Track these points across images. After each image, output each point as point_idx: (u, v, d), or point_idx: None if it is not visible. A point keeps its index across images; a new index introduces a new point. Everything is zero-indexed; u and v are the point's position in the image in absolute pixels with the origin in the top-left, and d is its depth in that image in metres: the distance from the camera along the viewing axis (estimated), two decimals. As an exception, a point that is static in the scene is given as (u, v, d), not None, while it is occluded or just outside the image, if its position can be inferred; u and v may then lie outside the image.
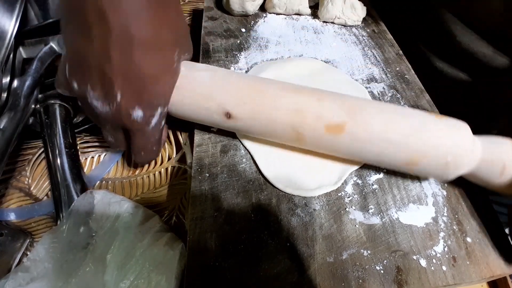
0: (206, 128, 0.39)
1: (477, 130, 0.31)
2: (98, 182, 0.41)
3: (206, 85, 0.33)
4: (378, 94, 0.44)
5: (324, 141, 0.32)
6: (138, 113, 0.30)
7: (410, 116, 0.31)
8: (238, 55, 0.48)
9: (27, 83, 0.37)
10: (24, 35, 0.38)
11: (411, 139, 0.30)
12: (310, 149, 0.35)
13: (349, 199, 0.33)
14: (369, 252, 0.30)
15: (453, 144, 0.30)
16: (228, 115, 0.32)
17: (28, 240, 0.35)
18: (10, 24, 0.36)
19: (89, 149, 0.44)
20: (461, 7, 0.44)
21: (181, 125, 0.47)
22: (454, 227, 0.32)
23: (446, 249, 0.30)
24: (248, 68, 0.46)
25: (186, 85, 0.33)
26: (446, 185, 0.35)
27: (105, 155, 0.43)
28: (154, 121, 0.32)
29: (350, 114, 0.31)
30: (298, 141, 0.33)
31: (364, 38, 0.53)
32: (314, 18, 0.57)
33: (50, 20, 0.39)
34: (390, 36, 0.54)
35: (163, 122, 0.34)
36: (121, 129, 0.32)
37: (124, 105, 0.29)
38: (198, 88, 0.33)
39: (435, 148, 0.30)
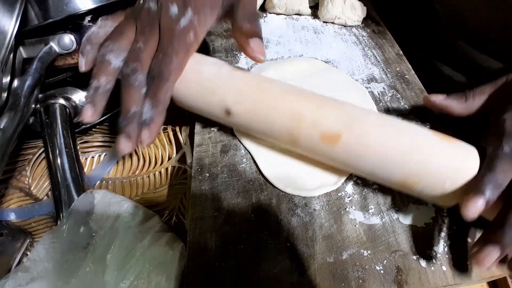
0: (206, 128, 0.39)
1: (476, 130, 0.31)
2: (98, 182, 0.41)
3: (210, 80, 0.33)
4: (378, 94, 0.44)
5: (319, 149, 0.31)
6: (173, 8, 0.30)
7: (412, 133, 0.30)
8: (239, 55, 0.48)
9: (27, 83, 0.37)
10: (24, 35, 0.38)
11: (408, 158, 0.28)
12: (305, 154, 0.34)
13: (349, 199, 0.33)
14: (369, 252, 0.30)
15: (454, 169, 0.28)
16: (228, 112, 0.32)
17: (28, 240, 0.35)
18: (10, 24, 0.36)
19: (89, 149, 0.44)
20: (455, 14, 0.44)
21: (181, 124, 0.47)
22: (454, 227, 0.32)
23: (446, 249, 0.30)
24: (248, 68, 0.46)
25: (193, 77, 0.33)
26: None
27: (105, 155, 0.43)
28: (183, 22, 0.31)
29: (347, 125, 0.30)
30: (293, 145, 0.33)
31: (364, 38, 0.53)
32: (314, 18, 0.57)
33: (50, 20, 0.38)
34: (390, 36, 0.54)
35: (191, 36, 0.32)
36: (157, 29, 0.31)
37: (166, 2, 0.31)
38: (203, 82, 0.33)
39: (433, 172, 0.28)
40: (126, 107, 0.30)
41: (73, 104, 0.43)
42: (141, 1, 0.33)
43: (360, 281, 0.28)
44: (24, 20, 0.37)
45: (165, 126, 0.47)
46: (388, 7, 0.61)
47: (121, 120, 0.29)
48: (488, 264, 0.25)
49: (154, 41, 0.31)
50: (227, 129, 0.39)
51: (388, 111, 0.42)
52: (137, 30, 0.32)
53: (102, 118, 0.46)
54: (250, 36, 0.32)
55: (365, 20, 0.56)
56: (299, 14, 0.57)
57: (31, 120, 0.40)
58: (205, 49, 0.49)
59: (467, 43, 0.44)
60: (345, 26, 0.55)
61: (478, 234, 0.31)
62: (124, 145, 0.29)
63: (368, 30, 0.55)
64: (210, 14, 0.33)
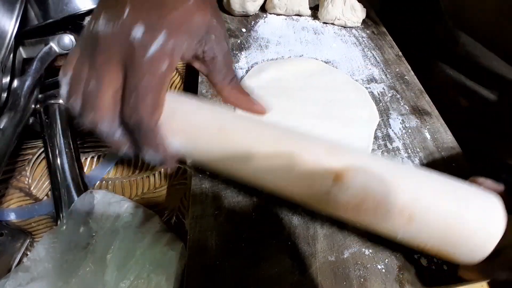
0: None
1: (476, 131, 0.31)
2: (98, 182, 0.41)
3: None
4: (378, 94, 0.44)
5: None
6: (138, 30, 0.23)
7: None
8: (239, 54, 0.48)
9: (27, 83, 0.37)
10: (24, 35, 0.38)
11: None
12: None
13: (350, 198, 0.33)
14: (370, 251, 0.30)
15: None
16: None
17: (28, 240, 0.35)
18: (10, 24, 0.36)
19: (89, 149, 0.44)
20: (459, 11, 0.44)
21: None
22: (455, 226, 0.32)
23: (447, 248, 0.30)
24: (248, 68, 0.46)
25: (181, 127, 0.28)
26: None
27: (105, 155, 0.43)
28: (152, 49, 0.24)
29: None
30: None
31: (364, 39, 0.54)
32: (314, 19, 0.57)
33: (50, 20, 0.38)
34: (389, 37, 0.54)
35: (164, 66, 0.24)
36: (116, 59, 0.24)
37: (128, 22, 0.24)
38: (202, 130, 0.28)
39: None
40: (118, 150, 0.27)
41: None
42: (91, 24, 0.25)
43: (362, 280, 0.28)
44: (24, 20, 0.37)
45: (165, 126, 0.47)
46: (388, 7, 0.61)
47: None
48: None
49: (113, 76, 0.24)
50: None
51: (388, 111, 0.42)
52: (88, 65, 0.25)
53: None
54: (238, 100, 0.28)
55: (364, 22, 0.56)
56: (299, 15, 0.57)
57: (31, 120, 0.40)
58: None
59: (473, 38, 0.43)
60: (345, 27, 0.56)
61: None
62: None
63: (368, 31, 0.55)
64: (187, 39, 0.25)
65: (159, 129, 0.25)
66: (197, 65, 0.28)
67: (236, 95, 0.28)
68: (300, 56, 0.49)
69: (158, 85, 0.24)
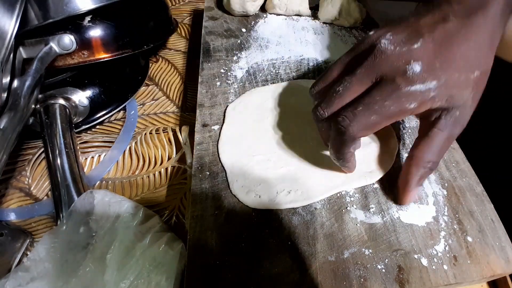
0: (206, 127, 0.39)
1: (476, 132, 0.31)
2: (98, 182, 0.41)
3: None
4: (378, 94, 0.44)
5: None
6: (418, 65, 0.24)
7: None
8: (239, 54, 0.49)
9: (27, 83, 0.37)
10: (24, 35, 0.38)
11: None
12: None
13: (350, 198, 0.33)
14: (370, 251, 0.30)
15: None
16: None
17: (28, 240, 0.35)
18: (10, 24, 0.36)
19: (89, 149, 0.44)
20: None
21: (181, 124, 0.47)
22: (455, 226, 0.32)
23: (447, 248, 0.30)
24: (248, 68, 0.46)
25: None
26: (446, 184, 0.35)
27: (105, 155, 0.43)
28: (418, 87, 0.25)
29: None
30: None
31: (364, 38, 0.53)
32: (314, 19, 0.57)
33: (50, 20, 0.38)
34: (389, 36, 0.54)
35: (411, 105, 0.25)
36: (377, 73, 0.26)
37: (415, 54, 0.25)
38: None
39: None
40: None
41: (73, 104, 0.43)
42: (372, 36, 0.28)
43: (362, 280, 0.28)
44: (24, 20, 0.37)
45: (165, 126, 0.47)
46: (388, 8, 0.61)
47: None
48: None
49: (360, 89, 0.27)
50: (228, 129, 0.39)
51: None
52: (346, 67, 0.28)
53: (102, 119, 0.46)
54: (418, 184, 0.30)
55: (364, 22, 0.56)
56: (299, 15, 0.57)
57: (31, 120, 0.40)
58: (205, 48, 0.49)
59: None
60: (344, 27, 0.56)
61: (478, 233, 0.31)
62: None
63: (368, 32, 0.55)
64: (448, 100, 0.26)
65: (357, 143, 0.29)
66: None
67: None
68: (300, 56, 0.49)
69: (389, 114, 0.26)
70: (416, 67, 0.24)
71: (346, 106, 0.27)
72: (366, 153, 0.36)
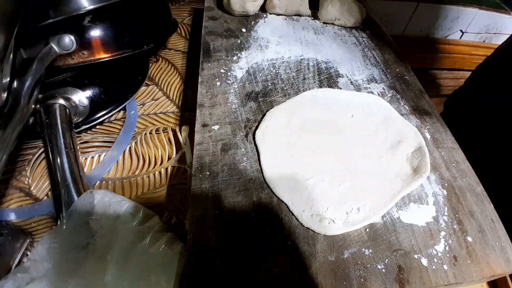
0: (206, 127, 0.39)
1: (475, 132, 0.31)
2: (98, 182, 0.41)
3: None
4: (378, 94, 0.44)
5: None
6: None
7: None
8: (239, 54, 0.48)
9: (27, 83, 0.37)
10: (24, 35, 0.38)
11: None
12: None
13: (350, 198, 0.33)
14: (370, 251, 0.30)
15: None
16: None
17: (28, 240, 0.35)
18: (10, 25, 0.36)
19: (89, 149, 0.44)
20: None
21: (181, 124, 0.47)
22: (455, 227, 0.32)
23: (447, 248, 0.30)
24: (248, 68, 0.46)
25: None
26: (446, 184, 0.35)
27: (105, 155, 0.43)
28: None
29: None
30: None
31: (364, 39, 0.54)
32: (314, 19, 0.57)
33: (50, 20, 0.38)
34: (389, 37, 0.54)
35: None
36: None
37: None
38: None
39: None
40: None
41: (73, 104, 0.43)
42: None
43: (362, 280, 0.28)
44: (24, 20, 0.37)
45: (165, 126, 0.47)
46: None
47: None
48: None
49: None
50: (228, 128, 0.39)
51: (388, 111, 0.42)
52: None
53: (102, 119, 0.46)
54: None
55: (364, 22, 0.56)
56: (299, 15, 0.57)
57: (31, 120, 0.40)
58: (205, 48, 0.49)
59: None
60: (345, 27, 0.56)
61: (478, 233, 0.31)
62: None
63: (368, 31, 0.55)
64: None
65: None
66: None
67: None
68: (300, 56, 0.49)
69: None
70: None
71: None
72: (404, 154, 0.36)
